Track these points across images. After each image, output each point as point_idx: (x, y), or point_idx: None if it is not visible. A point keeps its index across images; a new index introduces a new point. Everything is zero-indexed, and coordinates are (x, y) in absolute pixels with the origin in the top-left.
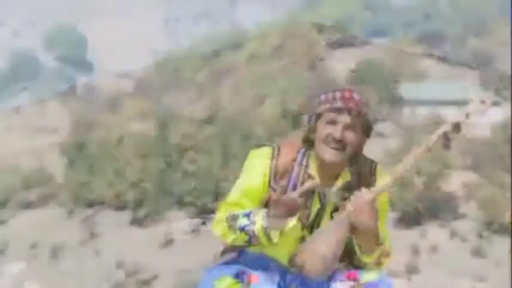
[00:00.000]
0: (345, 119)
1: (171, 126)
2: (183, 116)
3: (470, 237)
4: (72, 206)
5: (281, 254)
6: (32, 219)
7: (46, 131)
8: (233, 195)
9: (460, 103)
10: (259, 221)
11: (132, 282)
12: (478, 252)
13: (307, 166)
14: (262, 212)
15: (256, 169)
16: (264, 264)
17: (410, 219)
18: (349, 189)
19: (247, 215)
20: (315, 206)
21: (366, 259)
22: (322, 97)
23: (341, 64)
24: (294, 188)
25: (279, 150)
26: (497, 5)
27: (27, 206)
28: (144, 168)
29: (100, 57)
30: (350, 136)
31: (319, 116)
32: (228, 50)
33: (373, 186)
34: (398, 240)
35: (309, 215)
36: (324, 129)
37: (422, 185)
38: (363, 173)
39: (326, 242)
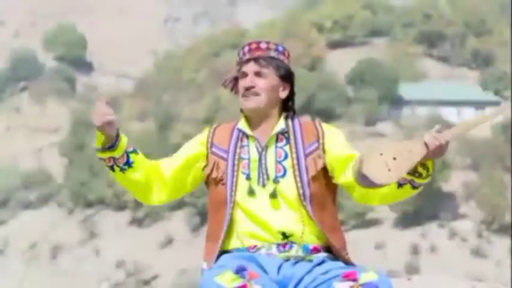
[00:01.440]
0: (252, 67)
1: (171, 126)
2: (183, 116)
3: (470, 237)
4: (72, 206)
5: (255, 230)
6: (32, 219)
7: (46, 131)
8: (163, 162)
9: (460, 103)
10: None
11: (132, 282)
12: (478, 252)
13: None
14: None
15: (194, 140)
16: (256, 261)
17: (410, 219)
18: (289, 139)
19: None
20: (253, 156)
21: (425, 179)
22: (237, 57)
23: (341, 64)
24: (234, 150)
25: (216, 126)
26: (497, 5)
27: (27, 206)
28: None
29: (100, 57)
30: (261, 82)
31: (237, 77)
32: (228, 50)
33: (319, 134)
34: (398, 240)
35: (248, 164)
36: (240, 84)
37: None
38: (304, 123)
39: (398, 164)
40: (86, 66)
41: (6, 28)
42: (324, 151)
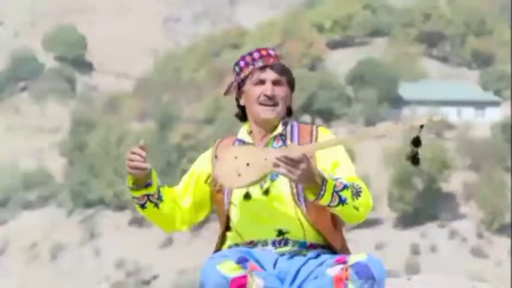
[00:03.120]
0: (271, 75)
1: (171, 126)
2: (183, 116)
3: (470, 237)
4: (72, 206)
5: (259, 227)
6: (32, 219)
7: (46, 131)
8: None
9: (460, 103)
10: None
11: (132, 282)
12: (478, 252)
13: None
14: None
15: (202, 158)
16: (253, 257)
17: (410, 219)
18: (285, 141)
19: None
20: None
21: (323, 202)
22: (241, 63)
23: (341, 64)
24: None
25: (221, 140)
26: (497, 5)
27: (27, 206)
28: None
29: (100, 57)
30: (279, 91)
31: (243, 82)
32: (228, 50)
33: (313, 136)
34: (398, 240)
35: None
36: (254, 91)
37: (422, 185)
38: (302, 127)
39: (250, 171)
40: (86, 66)
41: (6, 28)
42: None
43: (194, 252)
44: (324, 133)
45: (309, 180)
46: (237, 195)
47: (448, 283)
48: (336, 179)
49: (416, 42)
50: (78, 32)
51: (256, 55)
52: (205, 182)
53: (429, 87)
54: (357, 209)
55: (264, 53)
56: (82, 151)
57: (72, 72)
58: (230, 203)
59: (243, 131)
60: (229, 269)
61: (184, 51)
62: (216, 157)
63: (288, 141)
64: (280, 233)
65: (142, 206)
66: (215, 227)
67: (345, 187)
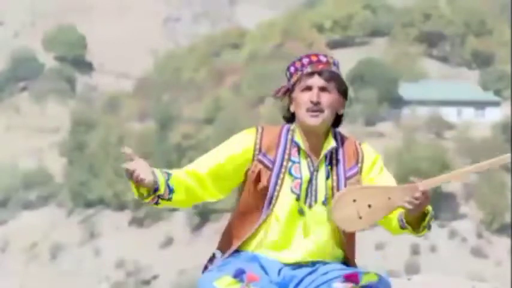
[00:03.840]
0: (318, 81)
1: (171, 126)
2: (183, 115)
3: (470, 237)
4: (72, 206)
5: (280, 245)
6: (32, 219)
7: (46, 131)
8: (195, 162)
9: (460, 103)
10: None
11: (132, 282)
12: (478, 252)
13: (292, 137)
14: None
15: (238, 140)
16: (257, 263)
17: None
18: (332, 158)
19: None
20: (305, 175)
21: (419, 232)
22: (291, 68)
23: (341, 64)
24: (281, 163)
25: (262, 128)
26: (497, 5)
27: (27, 206)
28: None
29: (100, 57)
30: (326, 98)
31: (293, 87)
32: (228, 50)
33: (359, 157)
34: (398, 240)
35: (300, 184)
36: (302, 97)
37: None
38: (346, 142)
39: (372, 212)
40: (86, 66)
41: (6, 28)
42: (361, 175)
43: (194, 252)
44: (368, 153)
45: (419, 212)
46: (286, 210)
47: (448, 283)
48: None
49: (416, 42)
50: (78, 32)
51: (305, 61)
52: (245, 172)
53: (429, 87)
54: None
55: (313, 59)
56: (82, 151)
57: (72, 72)
58: (268, 214)
59: (298, 134)
60: (226, 284)
61: (184, 51)
62: (259, 150)
63: (413, 178)
64: (312, 263)
65: (156, 203)
66: (215, 227)
67: (432, 216)
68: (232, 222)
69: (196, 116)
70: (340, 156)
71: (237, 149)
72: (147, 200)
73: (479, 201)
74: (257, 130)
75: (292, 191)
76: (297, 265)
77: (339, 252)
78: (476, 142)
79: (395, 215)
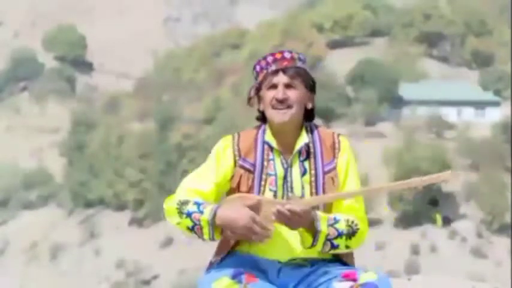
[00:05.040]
0: (282, 79)
1: (171, 126)
2: (183, 116)
3: (470, 237)
4: (72, 206)
5: (274, 249)
6: (32, 219)
7: (46, 131)
8: (194, 180)
9: (460, 103)
10: (207, 213)
11: (132, 282)
12: (478, 252)
13: (264, 137)
14: (213, 206)
15: (219, 153)
16: (256, 264)
17: (410, 219)
18: (309, 153)
19: (198, 204)
20: (280, 172)
21: (317, 249)
22: (257, 67)
23: (341, 64)
24: (262, 164)
25: (238, 135)
26: (497, 5)
27: (27, 206)
28: (144, 168)
29: (100, 57)
30: (293, 94)
31: (260, 86)
32: (228, 50)
33: (336, 152)
34: (398, 240)
35: (275, 180)
36: (268, 95)
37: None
38: (324, 135)
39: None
40: (86, 66)
41: (6, 28)
42: (336, 170)
43: (194, 252)
44: (344, 148)
45: (305, 229)
46: (266, 212)
47: (448, 283)
48: (333, 223)
49: (416, 42)
50: (78, 32)
51: (270, 59)
52: (229, 180)
53: (429, 87)
54: (348, 247)
55: (278, 56)
56: (82, 151)
57: (72, 72)
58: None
59: (269, 134)
60: (224, 286)
61: (184, 52)
62: (239, 156)
63: (290, 194)
64: (293, 259)
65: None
66: None
67: (340, 235)
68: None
69: (196, 116)
70: (318, 151)
71: (221, 163)
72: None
73: (479, 201)
74: (233, 137)
75: (270, 189)
76: (297, 265)
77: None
78: (476, 142)
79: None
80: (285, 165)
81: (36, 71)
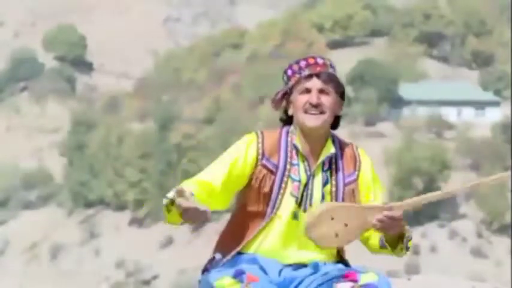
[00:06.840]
0: (316, 84)
1: (171, 126)
2: (183, 116)
3: (470, 237)
4: (72, 206)
5: (277, 248)
6: (32, 219)
7: (46, 131)
8: (204, 172)
9: (460, 103)
10: (170, 193)
11: (132, 282)
12: (478, 252)
13: (292, 140)
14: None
15: (242, 147)
16: (257, 263)
17: (410, 219)
18: (331, 163)
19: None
20: (303, 178)
21: (397, 253)
22: (289, 71)
23: (341, 64)
24: (284, 166)
25: (262, 133)
26: (497, 5)
27: (27, 206)
28: (144, 168)
29: (100, 57)
30: (326, 100)
31: (291, 90)
32: (228, 50)
33: (357, 164)
34: None
35: (298, 187)
36: (300, 99)
37: (422, 185)
38: (344, 147)
39: (348, 231)
40: (86, 66)
41: (6, 28)
42: (357, 181)
43: (194, 252)
44: (364, 159)
45: (397, 232)
46: (286, 214)
47: (448, 283)
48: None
49: (416, 42)
50: (78, 32)
51: (302, 64)
52: (247, 177)
53: (429, 87)
54: (408, 249)
55: (310, 61)
56: (82, 151)
57: (72, 72)
58: (271, 219)
59: (298, 138)
60: (226, 285)
61: (184, 52)
62: (263, 154)
63: (391, 203)
64: (303, 265)
65: (182, 223)
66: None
67: (411, 238)
68: (233, 224)
69: (196, 116)
70: (340, 162)
71: (242, 157)
72: (177, 223)
73: (479, 201)
74: (257, 135)
75: (292, 194)
76: (298, 266)
77: (333, 250)
78: (476, 142)
79: (376, 234)
80: (308, 173)
81: (36, 71)
